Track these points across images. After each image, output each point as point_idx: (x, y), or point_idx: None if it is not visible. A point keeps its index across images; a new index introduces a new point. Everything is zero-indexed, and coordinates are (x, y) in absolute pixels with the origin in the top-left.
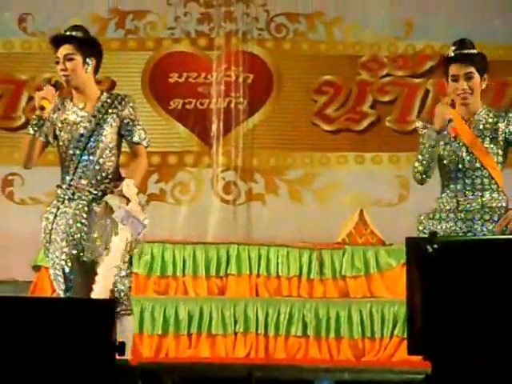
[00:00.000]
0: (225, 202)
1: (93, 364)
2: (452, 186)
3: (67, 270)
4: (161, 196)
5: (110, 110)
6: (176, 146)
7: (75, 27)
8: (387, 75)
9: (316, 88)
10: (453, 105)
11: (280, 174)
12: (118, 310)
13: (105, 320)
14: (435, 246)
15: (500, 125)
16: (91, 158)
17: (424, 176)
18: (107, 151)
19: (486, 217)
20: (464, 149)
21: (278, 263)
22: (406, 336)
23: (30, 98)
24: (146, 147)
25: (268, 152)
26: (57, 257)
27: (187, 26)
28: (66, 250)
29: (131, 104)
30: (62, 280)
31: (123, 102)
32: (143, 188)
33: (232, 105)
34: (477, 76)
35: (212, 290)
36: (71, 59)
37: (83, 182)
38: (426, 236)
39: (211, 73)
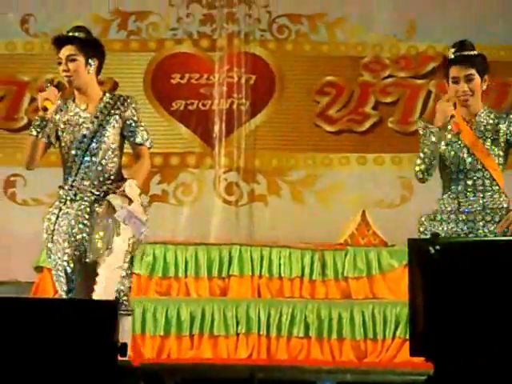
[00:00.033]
0: (227, 203)
1: (95, 365)
2: (453, 187)
3: (69, 270)
4: (163, 197)
5: (112, 111)
6: (178, 147)
7: (78, 28)
8: (389, 76)
9: (318, 89)
10: (454, 106)
11: (282, 175)
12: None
13: (107, 321)
14: (437, 247)
15: (501, 126)
16: (93, 159)
17: (426, 174)
18: (109, 152)
19: (488, 218)
20: (465, 150)
21: (280, 264)
22: (408, 337)
23: (33, 99)
24: (149, 148)
25: (270, 153)
26: (59, 258)
27: (189, 27)
28: (68, 250)
29: (134, 105)
30: (64, 281)
31: (126, 103)
32: (145, 189)
33: (234, 106)
34: (477, 77)
35: (214, 291)
36: (74, 60)
37: (85, 183)
38: (427, 237)
39: (213, 74)
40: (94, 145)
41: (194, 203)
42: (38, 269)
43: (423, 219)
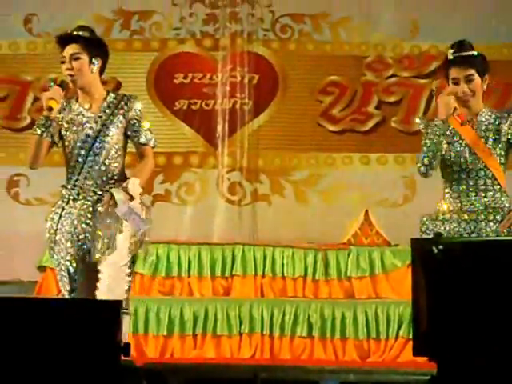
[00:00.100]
0: (230, 203)
1: (98, 365)
2: (455, 186)
3: (72, 270)
4: (166, 196)
5: (116, 111)
6: (181, 147)
7: (82, 27)
8: (392, 76)
9: (321, 88)
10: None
11: (285, 174)
12: None
13: (110, 321)
14: (440, 246)
15: (503, 126)
16: (97, 158)
17: (429, 168)
18: (113, 152)
19: (490, 217)
20: (467, 149)
21: (283, 264)
22: (411, 337)
23: (36, 99)
24: (153, 148)
25: (273, 153)
26: (62, 257)
27: (192, 26)
28: (70, 250)
29: (137, 105)
30: (67, 280)
31: (129, 103)
32: (148, 188)
33: (237, 105)
34: (477, 78)
35: (217, 291)
36: (77, 58)
37: (88, 182)
38: (429, 237)
39: (216, 73)
40: (97, 144)
41: (197, 203)
42: (41, 268)
43: (425, 219)
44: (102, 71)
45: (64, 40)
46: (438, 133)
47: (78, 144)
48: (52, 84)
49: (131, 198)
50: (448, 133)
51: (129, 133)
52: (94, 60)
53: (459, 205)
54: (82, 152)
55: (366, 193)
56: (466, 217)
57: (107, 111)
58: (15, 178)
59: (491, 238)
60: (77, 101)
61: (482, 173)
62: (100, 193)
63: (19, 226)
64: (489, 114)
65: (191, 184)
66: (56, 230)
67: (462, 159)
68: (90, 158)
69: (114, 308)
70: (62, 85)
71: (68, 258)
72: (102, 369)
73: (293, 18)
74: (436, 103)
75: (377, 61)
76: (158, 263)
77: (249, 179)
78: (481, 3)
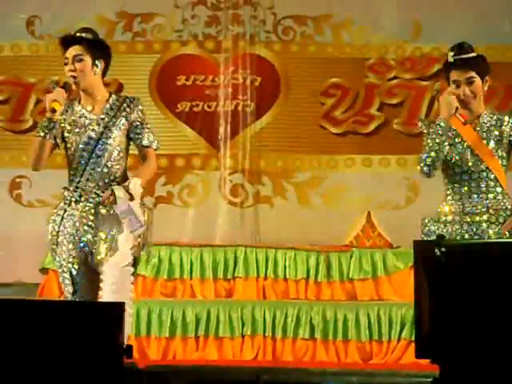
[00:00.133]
0: (232, 205)
1: (101, 367)
2: (457, 188)
3: (74, 272)
4: (168, 198)
5: (118, 113)
6: (183, 149)
7: (85, 29)
8: (395, 78)
9: (323, 90)
10: (456, 109)
11: (287, 176)
12: None
13: (113, 323)
14: (443, 249)
15: (504, 128)
16: (99, 160)
17: (431, 168)
18: (115, 154)
19: (492, 219)
20: (469, 151)
21: (285, 266)
22: (413, 339)
23: (38, 101)
24: (156, 150)
25: (275, 155)
26: (64, 259)
27: (195, 28)
28: (72, 252)
29: (140, 107)
30: (69, 282)
31: (132, 105)
32: (151, 190)
33: (239, 107)
34: (478, 80)
35: (219, 293)
36: (80, 60)
37: (90, 184)
38: (431, 239)
39: (218, 75)
40: (99, 146)
41: (200, 205)
42: (44, 270)
43: (427, 221)
44: (104, 73)
45: (67, 41)
46: (440, 132)
47: (81, 146)
48: (55, 86)
49: (131, 198)
50: (449, 134)
51: (131, 135)
52: (96, 62)
53: (461, 207)
54: (85, 154)
55: (368, 195)
56: (468, 219)
57: (110, 113)
58: (17, 180)
59: (493, 241)
60: (79, 103)
61: (484, 174)
62: (102, 195)
63: (21, 227)
64: (490, 115)
65: (193, 186)
66: (58, 231)
67: (463, 161)
68: (92, 160)
69: (117, 310)
70: (65, 86)
71: (70, 260)
72: (104, 371)
73: (295, 20)
74: (438, 103)
75: (379, 63)
76: (161, 265)
77: (251, 181)
78: (483, 5)
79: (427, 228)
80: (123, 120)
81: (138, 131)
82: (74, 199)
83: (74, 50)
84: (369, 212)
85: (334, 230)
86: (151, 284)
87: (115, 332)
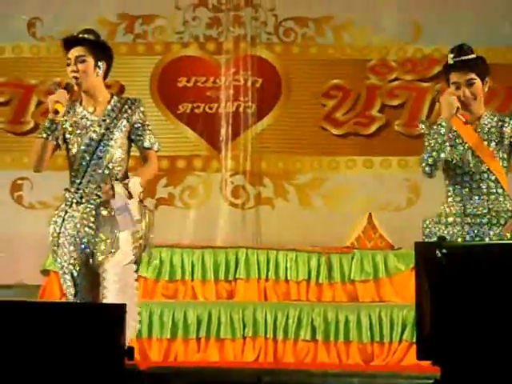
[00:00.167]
0: (233, 206)
1: (102, 368)
2: (458, 190)
3: (75, 274)
4: (169, 200)
5: (120, 115)
6: (185, 150)
7: (87, 30)
8: (396, 79)
9: (324, 92)
10: (457, 109)
11: (289, 178)
12: None
13: (114, 325)
14: (444, 250)
15: (505, 129)
16: (100, 162)
17: (433, 168)
18: (116, 156)
19: (493, 221)
20: (470, 152)
21: (286, 267)
22: (415, 340)
23: (39, 103)
24: (157, 152)
25: (277, 156)
26: (65, 261)
27: (196, 30)
28: (73, 254)
29: (141, 108)
30: (71, 284)
31: (133, 107)
32: (152, 192)
33: (241, 109)
34: (478, 81)
35: (221, 294)
36: (83, 61)
37: (92, 186)
38: (432, 241)
39: (220, 77)
40: (101, 148)
41: (201, 206)
42: (45, 272)
43: (428, 222)
44: (106, 75)
45: (70, 42)
46: (442, 132)
47: (82, 147)
48: (56, 87)
49: (130, 196)
50: (450, 135)
51: (132, 137)
52: (99, 63)
53: (462, 208)
54: (86, 155)
55: (369, 196)
56: (469, 220)
57: (111, 115)
58: (19, 182)
59: (494, 242)
60: (80, 104)
61: (485, 176)
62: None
63: (23, 229)
64: (491, 117)
65: (194, 187)
66: (59, 233)
67: (464, 162)
68: (93, 162)
69: (118, 312)
70: (68, 87)
71: (71, 261)
72: (105, 372)
73: (296, 22)
74: (439, 104)
75: (380, 64)
76: (162, 267)
77: (252, 183)
78: (484, 7)
79: (428, 229)
80: (125, 122)
81: (140, 133)
82: (75, 201)
83: (76, 51)
84: (370, 213)
85: (336, 231)
86: (152, 285)
87: (116, 333)
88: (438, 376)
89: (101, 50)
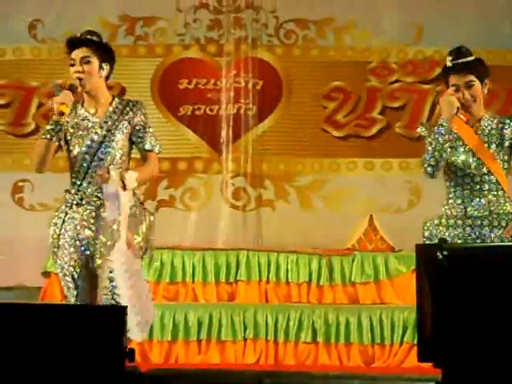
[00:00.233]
0: (234, 208)
1: (103, 370)
2: (459, 191)
3: (76, 276)
4: (170, 202)
5: (121, 117)
6: (186, 152)
7: (90, 32)
8: (397, 81)
9: (325, 94)
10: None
11: (290, 180)
12: None
13: (115, 327)
14: (445, 252)
15: (506, 131)
16: (101, 164)
17: (435, 168)
18: (117, 157)
19: (494, 223)
20: (470, 154)
21: (287, 269)
22: (416, 342)
23: (41, 105)
24: (158, 154)
25: (277, 158)
26: (65, 263)
27: (197, 32)
28: (74, 255)
29: (143, 110)
30: (72, 286)
31: (135, 109)
32: (153, 194)
33: (241, 111)
34: (477, 83)
35: (221, 297)
36: (88, 62)
37: (92, 187)
38: (433, 243)
39: (221, 79)
40: (102, 150)
41: (202, 208)
42: (46, 274)
43: (428, 224)
44: (108, 76)
45: (74, 43)
46: (443, 132)
47: (83, 149)
48: (58, 89)
49: (123, 187)
50: (451, 137)
51: (134, 138)
52: (103, 65)
53: (463, 210)
54: (87, 157)
55: (370, 198)
56: (470, 222)
57: (113, 116)
58: (20, 184)
59: (495, 244)
60: (82, 105)
61: (486, 177)
62: (103, 198)
63: (23, 231)
64: (491, 119)
65: (195, 189)
66: (59, 234)
67: (465, 164)
68: (94, 163)
69: (120, 314)
70: (72, 88)
71: (72, 263)
72: (106, 374)
73: (297, 24)
74: (439, 105)
75: (381, 66)
76: (163, 269)
77: (253, 185)
78: (485, 9)
79: (429, 231)
80: (126, 123)
81: (141, 135)
82: (75, 202)
83: (81, 52)
84: (371, 215)
85: (336, 233)
86: (153, 288)
87: (117, 335)
88: (439, 378)
89: (105, 52)
